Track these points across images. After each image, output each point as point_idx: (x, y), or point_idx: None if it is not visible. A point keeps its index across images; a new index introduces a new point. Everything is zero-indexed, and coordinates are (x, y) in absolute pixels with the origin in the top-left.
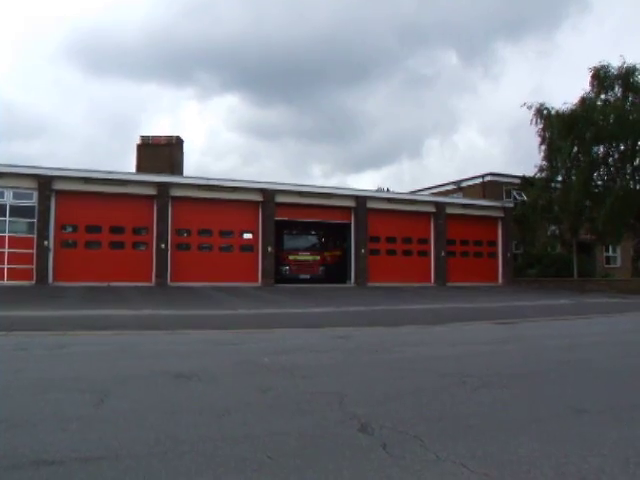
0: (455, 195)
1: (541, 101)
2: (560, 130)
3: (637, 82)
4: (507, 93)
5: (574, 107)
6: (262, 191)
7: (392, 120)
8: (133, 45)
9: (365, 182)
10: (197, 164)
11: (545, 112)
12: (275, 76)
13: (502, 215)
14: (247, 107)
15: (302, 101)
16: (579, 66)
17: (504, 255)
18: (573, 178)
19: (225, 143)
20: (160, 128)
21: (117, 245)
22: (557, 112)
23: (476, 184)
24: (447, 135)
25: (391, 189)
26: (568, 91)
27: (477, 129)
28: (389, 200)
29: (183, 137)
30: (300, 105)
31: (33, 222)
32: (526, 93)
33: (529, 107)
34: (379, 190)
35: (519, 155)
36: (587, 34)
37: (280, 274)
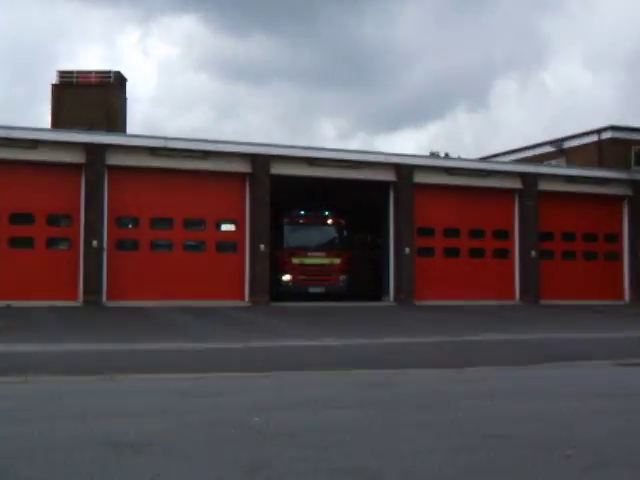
0: (554, 162)
1: None
2: None
3: None
4: (620, 8)
5: None
6: (250, 157)
7: (438, 53)
8: None
9: (402, 146)
10: (145, 119)
11: None
12: None
13: (630, 193)
14: (214, 35)
15: (297, 27)
16: None
17: (633, 256)
18: None
19: (188, 88)
20: (87, 63)
21: (21, 243)
22: None
23: (588, 144)
24: (530, 73)
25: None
26: None
27: (578, 63)
28: (448, 171)
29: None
30: (295, 33)
31: None
32: None
33: None
34: (432, 156)
35: None
36: None
37: (279, 286)
